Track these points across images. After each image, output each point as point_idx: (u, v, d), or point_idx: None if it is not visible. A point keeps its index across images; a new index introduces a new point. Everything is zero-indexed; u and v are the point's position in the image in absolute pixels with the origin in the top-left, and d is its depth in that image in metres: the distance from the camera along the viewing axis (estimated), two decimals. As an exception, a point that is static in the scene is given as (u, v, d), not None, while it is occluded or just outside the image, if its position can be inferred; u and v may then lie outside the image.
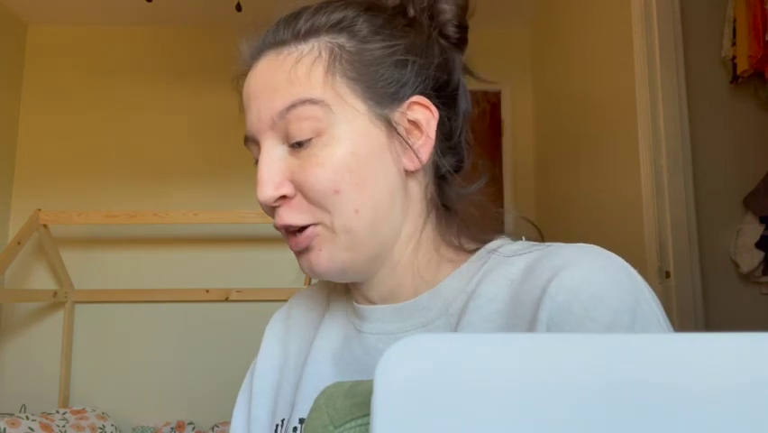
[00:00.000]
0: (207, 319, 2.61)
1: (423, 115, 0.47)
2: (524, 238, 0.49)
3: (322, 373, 0.51)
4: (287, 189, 0.45)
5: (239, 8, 1.91)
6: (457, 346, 0.19)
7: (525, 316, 0.40)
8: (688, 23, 1.69)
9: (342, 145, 0.44)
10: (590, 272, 0.39)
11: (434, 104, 0.47)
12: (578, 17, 2.15)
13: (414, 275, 0.49)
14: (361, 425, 0.33)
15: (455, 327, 0.45)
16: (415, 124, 0.47)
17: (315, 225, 0.45)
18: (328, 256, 0.46)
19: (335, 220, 0.44)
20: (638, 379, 0.18)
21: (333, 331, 0.54)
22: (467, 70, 0.52)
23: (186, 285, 2.60)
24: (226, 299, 2.57)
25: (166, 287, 2.59)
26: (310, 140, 0.44)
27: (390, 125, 0.46)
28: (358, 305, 0.52)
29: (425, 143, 0.47)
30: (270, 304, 2.62)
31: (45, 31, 2.79)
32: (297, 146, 0.44)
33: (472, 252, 0.49)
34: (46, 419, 2.09)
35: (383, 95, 0.46)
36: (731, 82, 1.78)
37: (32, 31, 2.79)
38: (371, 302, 0.51)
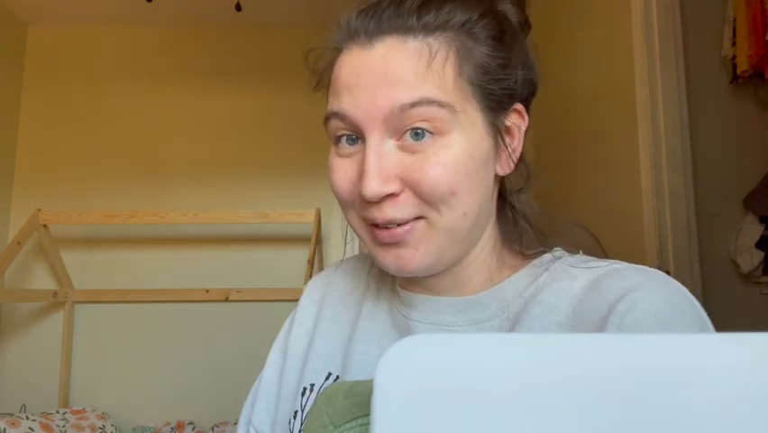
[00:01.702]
0: (207, 319, 2.61)
1: (518, 121, 0.49)
2: (581, 252, 0.50)
3: (370, 354, 0.52)
4: (395, 187, 0.44)
5: (239, 8, 1.91)
6: (457, 346, 0.19)
7: (588, 331, 0.41)
8: (688, 23, 1.69)
9: (461, 148, 0.44)
10: (660, 299, 0.40)
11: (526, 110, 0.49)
12: (577, 16, 2.15)
13: (484, 274, 0.50)
14: (361, 425, 0.33)
15: (511, 330, 0.46)
16: (509, 129, 0.48)
17: (417, 219, 0.45)
18: (423, 255, 0.45)
19: (443, 218, 0.44)
20: (639, 379, 0.18)
21: (380, 315, 0.54)
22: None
23: (186, 285, 2.60)
24: (226, 299, 2.57)
25: (166, 287, 2.59)
26: (427, 138, 0.43)
27: (498, 132, 0.47)
28: (406, 292, 0.52)
29: (516, 149, 0.49)
30: (270, 304, 2.63)
31: (45, 31, 2.79)
32: (410, 142, 0.43)
33: (531, 256, 0.50)
34: (46, 419, 2.09)
35: (497, 103, 0.46)
36: (731, 82, 1.78)
37: (32, 31, 2.79)
38: (427, 289, 0.51)
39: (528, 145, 0.52)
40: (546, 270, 0.48)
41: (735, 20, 1.73)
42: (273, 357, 0.60)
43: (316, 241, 2.38)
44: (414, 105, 0.42)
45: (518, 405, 0.18)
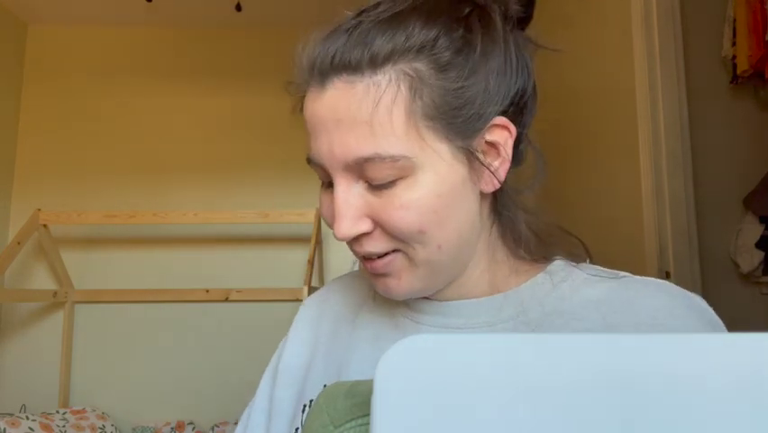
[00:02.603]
0: (207, 319, 2.61)
1: (501, 136, 0.45)
2: (588, 261, 0.51)
3: (367, 359, 0.52)
4: (365, 226, 0.44)
5: (239, 8, 1.91)
6: (457, 346, 0.19)
7: None
8: (688, 22, 1.69)
9: (426, 188, 0.43)
10: (694, 323, 0.41)
11: (510, 119, 0.45)
12: (577, 16, 2.15)
13: (487, 283, 0.50)
14: (360, 425, 0.33)
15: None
16: (492, 144, 0.45)
17: (395, 251, 0.46)
18: (407, 285, 0.47)
19: (418, 254, 0.45)
20: (638, 379, 0.18)
21: (379, 321, 0.54)
22: (529, 41, 0.50)
23: (186, 285, 2.60)
24: (226, 299, 2.57)
25: (166, 287, 2.59)
26: (390, 181, 0.43)
27: (472, 155, 0.44)
28: (416, 299, 0.52)
29: (502, 164, 0.46)
30: (270, 304, 2.63)
31: (45, 31, 2.79)
32: (375, 184, 0.43)
33: (541, 261, 0.50)
34: (46, 419, 2.09)
35: (464, 129, 0.44)
36: (731, 82, 1.78)
37: (32, 31, 2.79)
38: (437, 295, 0.51)
39: (527, 148, 0.51)
40: (564, 280, 0.48)
41: (735, 20, 1.73)
42: (263, 384, 0.60)
43: (316, 241, 2.38)
44: (367, 159, 0.42)
45: (518, 404, 0.18)
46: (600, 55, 1.94)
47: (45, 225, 2.42)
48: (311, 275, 2.17)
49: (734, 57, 1.74)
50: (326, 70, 0.43)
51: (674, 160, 1.57)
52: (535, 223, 0.51)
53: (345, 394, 0.36)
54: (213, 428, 2.36)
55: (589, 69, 2.04)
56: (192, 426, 2.42)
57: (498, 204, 0.50)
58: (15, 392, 2.50)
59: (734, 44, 1.73)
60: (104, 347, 2.57)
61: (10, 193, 2.67)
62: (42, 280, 2.61)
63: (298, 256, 2.62)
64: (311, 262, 2.22)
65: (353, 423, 0.33)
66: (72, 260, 2.58)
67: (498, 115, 0.45)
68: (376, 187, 0.43)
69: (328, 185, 0.47)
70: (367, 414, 0.33)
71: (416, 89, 0.42)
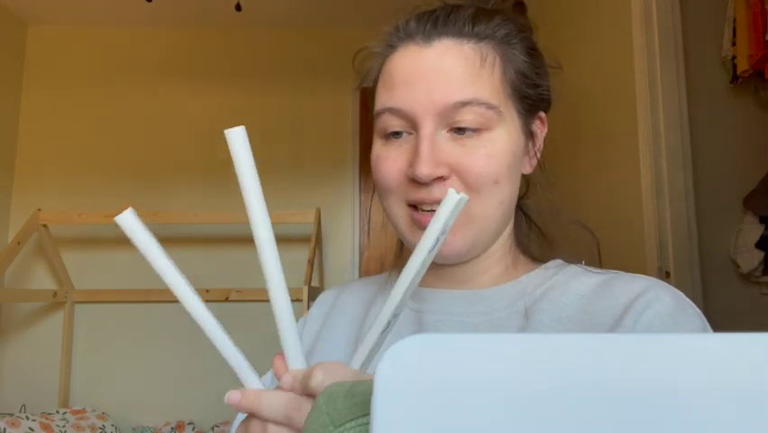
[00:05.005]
0: (207, 319, 2.61)
1: (540, 129, 0.55)
2: (583, 262, 0.55)
3: None
4: (444, 171, 0.48)
5: (239, 8, 1.91)
6: (457, 346, 0.19)
7: (603, 325, 0.46)
8: (688, 23, 1.69)
9: (504, 143, 0.49)
10: (668, 300, 0.46)
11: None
12: (577, 16, 2.15)
13: (501, 268, 0.54)
14: (360, 425, 0.33)
15: (522, 323, 0.50)
16: (533, 135, 0.54)
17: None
18: (460, 240, 0.50)
19: (482, 206, 0.49)
20: (639, 379, 0.18)
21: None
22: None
23: (186, 285, 2.59)
24: (226, 299, 2.57)
25: (166, 287, 2.59)
26: (475, 132, 0.48)
27: (530, 134, 0.53)
28: (419, 287, 0.56)
29: (538, 152, 0.55)
30: (270, 304, 2.62)
31: (45, 31, 2.79)
32: (459, 134, 0.48)
33: (541, 261, 0.55)
34: (46, 419, 2.09)
35: (530, 107, 0.52)
36: (731, 82, 1.78)
37: (32, 31, 2.79)
38: (444, 282, 0.55)
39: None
40: (556, 274, 0.52)
41: (735, 20, 1.73)
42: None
43: (316, 241, 2.38)
44: (465, 103, 0.47)
45: (519, 405, 0.18)
46: (600, 55, 1.94)
47: (45, 225, 2.42)
48: (311, 275, 2.17)
49: (734, 57, 1.74)
50: (433, 33, 0.50)
51: (674, 160, 1.57)
52: (542, 224, 0.56)
53: (345, 394, 0.36)
54: (213, 428, 2.36)
55: (590, 68, 2.04)
56: (192, 426, 2.41)
57: (520, 203, 0.56)
58: (15, 392, 2.50)
59: (734, 44, 1.73)
60: (103, 347, 2.57)
61: (10, 193, 2.67)
62: (42, 280, 2.61)
63: (298, 256, 2.62)
64: (311, 262, 2.22)
65: (353, 423, 0.33)
66: (72, 260, 2.58)
67: (543, 111, 0.55)
68: (460, 136, 0.48)
69: (393, 135, 0.50)
70: (367, 414, 0.33)
71: (507, 62, 0.50)
